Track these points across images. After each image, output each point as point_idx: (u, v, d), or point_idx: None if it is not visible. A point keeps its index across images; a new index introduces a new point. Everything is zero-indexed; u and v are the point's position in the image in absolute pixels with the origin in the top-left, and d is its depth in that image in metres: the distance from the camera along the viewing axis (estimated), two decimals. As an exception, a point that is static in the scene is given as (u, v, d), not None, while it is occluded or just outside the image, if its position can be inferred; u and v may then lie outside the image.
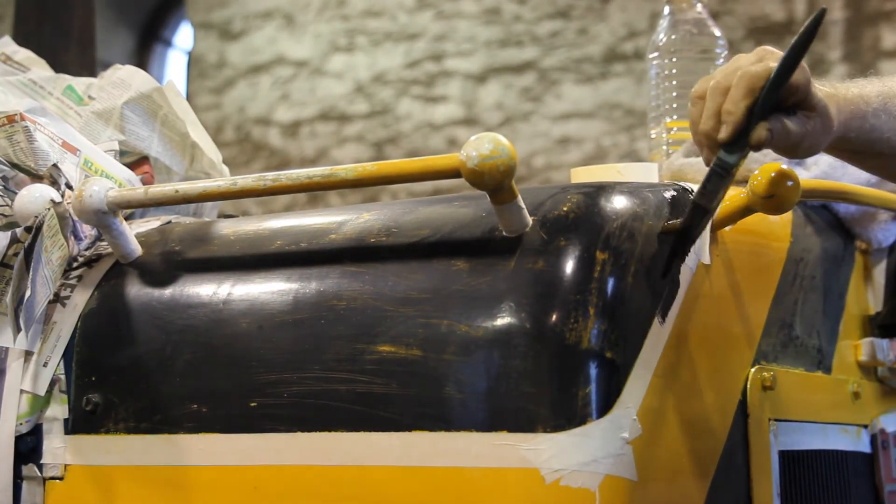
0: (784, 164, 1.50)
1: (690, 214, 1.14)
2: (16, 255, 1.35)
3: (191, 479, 1.25)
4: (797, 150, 1.17)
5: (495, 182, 1.12)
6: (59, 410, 1.33)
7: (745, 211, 1.21)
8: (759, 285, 1.34)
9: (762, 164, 1.20)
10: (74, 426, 1.32)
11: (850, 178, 1.54)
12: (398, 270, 1.19)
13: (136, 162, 1.67)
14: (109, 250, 1.38)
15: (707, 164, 1.14)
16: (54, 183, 1.46)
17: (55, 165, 1.47)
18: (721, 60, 1.73)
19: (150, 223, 1.48)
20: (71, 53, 3.38)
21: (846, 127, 1.20)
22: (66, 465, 1.32)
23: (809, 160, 1.59)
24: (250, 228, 1.36)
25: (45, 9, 3.44)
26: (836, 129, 1.19)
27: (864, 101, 1.23)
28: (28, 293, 1.31)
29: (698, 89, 1.16)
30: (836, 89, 1.21)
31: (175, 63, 8.67)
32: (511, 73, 6.69)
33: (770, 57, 1.14)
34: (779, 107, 1.13)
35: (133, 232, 1.39)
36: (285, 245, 1.29)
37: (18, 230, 1.37)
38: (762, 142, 1.11)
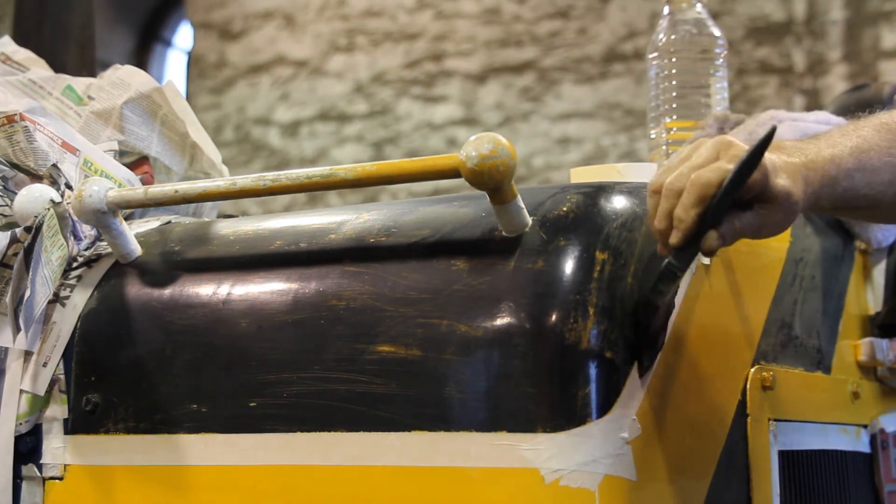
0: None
1: (643, 307, 1.12)
2: (15, 255, 1.35)
3: (190, 478, 1.25)
4: (758, 236, 1.15)
5: (495, 182, 1.12)
6: (58, 410, 1.33)
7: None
8: (758, 285, 1.34)
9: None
10: (74, 426, 1.32)
11: (850, 178, 1.54)
12: (398, 270, 1.19)
13: (136, 162, 1.67)
14: (109, 250, 1.38)
15: (660, 256, 1.12)
16: (54, 183, 1.46)
17: (55, 165, 1.47)
18: (721, 60, 1.73)
19: (149, 223, 1.48)
20: (70, 53, 3.38)
21: (816, 196, 1.17)
22: (65, 465, 1.32)
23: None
24: (250, 228, 1.36)
25: (45, 9, 3.44)
26: (805, 203, 1.15)
27: (835, 165, 1.19)
28: (28, 293, 1.31)
29: (654, 183, 1.13)
30: (807, 155, 1.17)
31: (175, 63, 8.68)
32: (511, 73, 6.70)
33: (726, 155, 1.10)
34: (733, 204, 1.10)
35: (132, 232, 1.39)
36: (285, 245, 1.29)
37: (18, 230, 1.37)
38: (713, 249, 1.10)
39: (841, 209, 1.25)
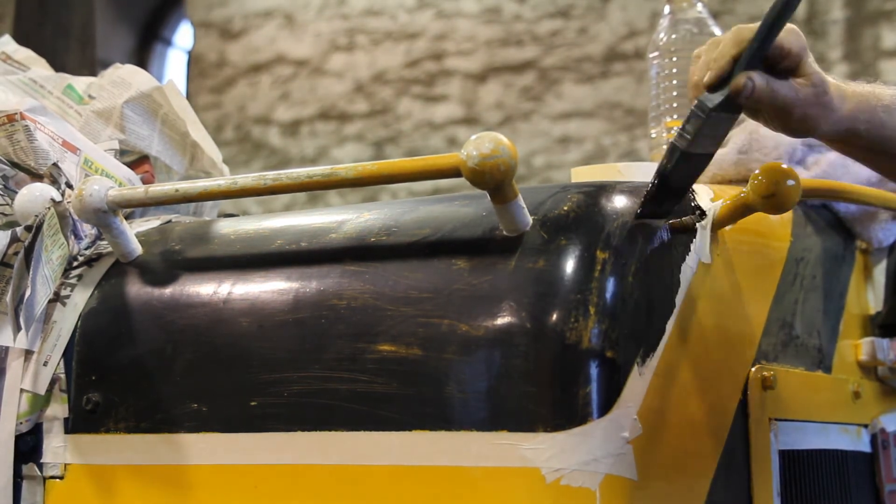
0: (784, 164, 1.50)
1: (667, 154, 1.14)
2: (16, 254, 1.35)
3: (191, 478, 1.25)
4: (789, 117, 1.16)
5: (496, 181, 1.12)
6: (59, 409, 1.33)
7: (746, 210, 1.21)
8: (759, 285, 1.34)
9: (763, 164, 1.20)
10: (74, 425, 1.32)
11: (851, 177, 1.54)
12: (398, 270, 1.19)
13: (137, 161, 1.67)
14: (109, 249, 1.38)
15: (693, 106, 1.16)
16: (54, 182, 1.46)
17: (55, 164, 1.47)
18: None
19: (150, 222, 1.48)
20: (71, 52, 3.38)
21: (854, 118, 1.20)
22: (66, 465, 1.32)
23: (810, 160, 1.59)
24: (250, 228, 1.36)
25: (46, 8, 3.44)
26: (843, 117, 1.18)
27: (874, 97, 1.22)
28: (28, 292, 1.31)
29: (697, 51, 1.19)
30: (846, 83, 1.21)
31: (175, 62, 8.68)
32: (511, 72, 6.69)
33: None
34: (770, 70, 1.14)
35: (133, 231, 1.39)
36: (285, 244, 1.29)
37: (19, 229, 1.37)
38: (740, 89, 1.12)
39: (877, 151, 1.25)
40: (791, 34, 1.14)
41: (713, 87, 1.13)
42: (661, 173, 1.14)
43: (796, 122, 1.17)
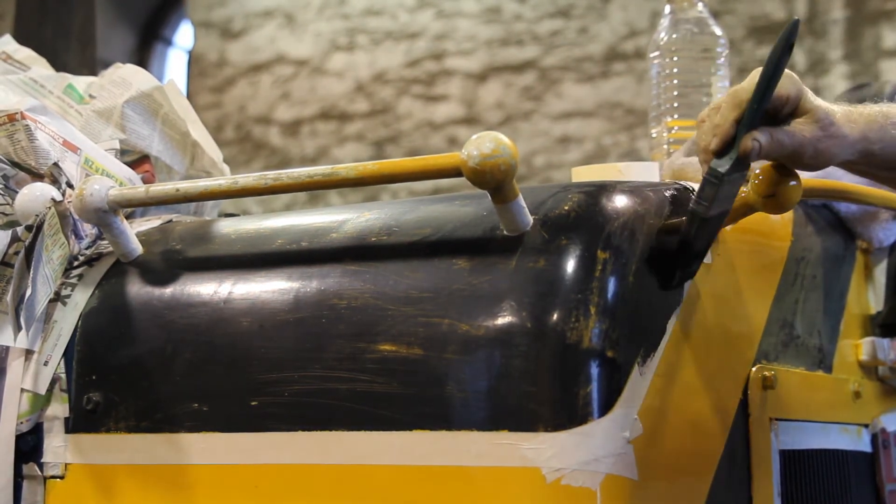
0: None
1: (688, 221, 1.16)
2: (17, 253, 1.35)
3: (191, 477, 1.25)
4: (801, 159, 1.17)
5: (496, 181, 1.12)
6: (59, 409, 1.33)
7: (747, 210, 1.21)
8: (760, 284, 1.34)
9: (763, 164, 1.20)
10: (75, 425, 1.32)
11: (852, 177, 1.54)
12: (399, 269, 1.19)
13: (137, 161, 1.67)
14: (110, 249, 1.38)
15: (704, 176, 1.17)
16: (55, 182, 1.46)
17: (56, 164, 1.47)
18: (722, 59, 1.73)
19: (150, 222, 1.48)
20: (71, 52, 3.38)
21: (866, 138, 1.20)
22: (66, 464, 1.32)
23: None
24: (251, 227, 1.36)
25: (46, 7, 3.43)
26: (855, 140, 1.19)
27: (883, 115, 1.23)
28: (29, 292, 1.31)
29: (700, 115, 1.20)
30: (854, 106, 1.22)
31: (175, 62, 8.67)
32: (511, 72, 6.69)
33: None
34: (772, 120, 1.16)
35: (134, 231, 1.39)
36: (286, 244, 1.29)
37: (19, 229, 1.37)
38: (748, 151, 1.13)
39: (893, 169, 1.26)
40: (786, 80, 1.15)
41: (721, 153, 1.15)
42: (685, 241, 1.16)
43: (810, 160, 1.18)
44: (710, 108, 1.19)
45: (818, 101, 1.18)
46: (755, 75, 1.16)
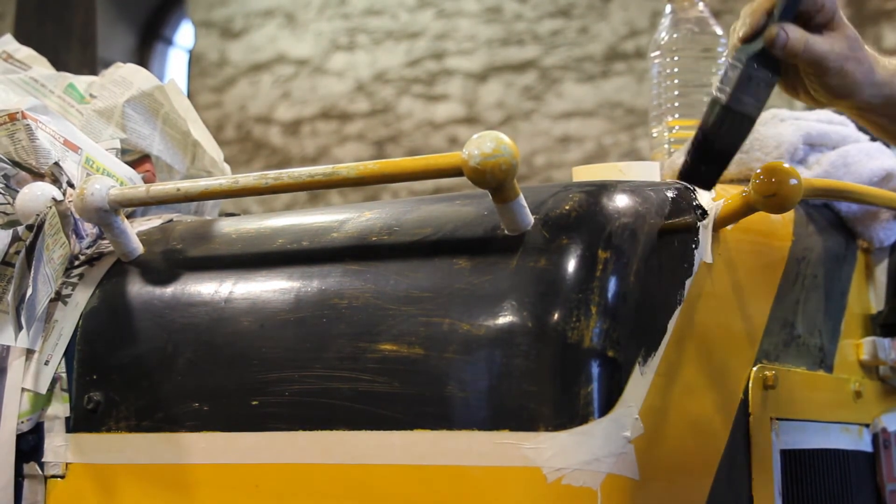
0: (786, 163, 1.50)
1: (708, 109, 1.15)
2: (17, 253, 1.35)
3: (192, 477, 1.25)
4: (826, 72, 1.17)
5: (497, 181, 1.12)
6: (60, 409, 1.33)
7: (747, 210, 1.21)
8: (760, 284, 1.34)
9: (764, 164, 1.20)
10: (76, 424, 1.32)
11: (853, 176, 1.54)
12: (400, 269, 1.19)
13: (138, 160, 1.67)
14: (111, 248, 1.38)
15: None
16: (56, 181, 1.46)
17: (57, 164, 1.47)
18: (723, 59, 1.73)
19: (151, 221, 1.48)
20: (72, 51, 3.38)
21: (889, 84, 1.21)
22: (67, 464, 1.32)
23: (811, 159, 1.59)
24: (252, 227, 1.36)
25: (47, 7, 3.43)
26: (883, 81, 1.19)
27: None
28: (29, 291, 1.31)
29: (742, 11, 1.20)
30: (880, 55, 1.22)
31: (176, 61, 8.67)
32: (512, 71, 6.69)
33: None
34: (804, 24, 1.15)
35: (134, 230, 1.39)
36: (287, 243, 1.29)
37: (20, 228, 1.37)
38: (773, 38, 1.13)
39: None
40: None
41: (748, 41, 1.14)
42: (702, 130, 1.14)
43: (834, 77, 1.18)
44: (748, 4, 1.18)
45: (851, 27, 1.18)
46: None
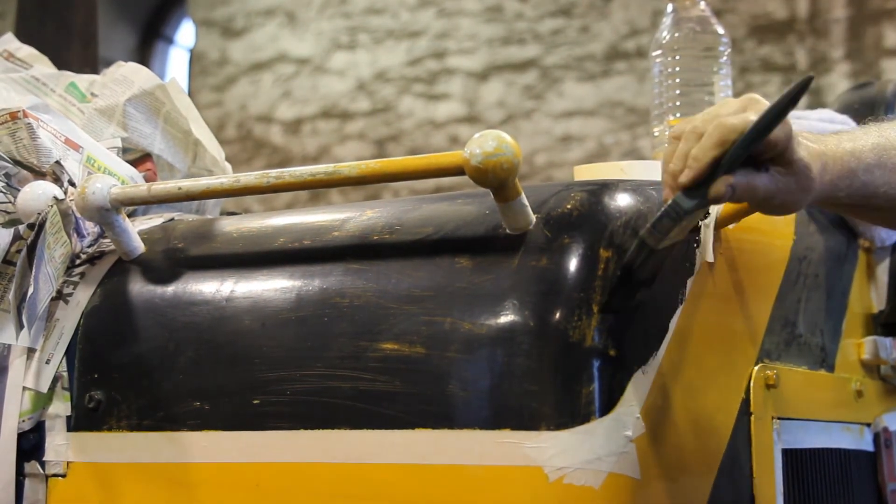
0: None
1: (635, 249, 1.08)
2: (19, 251, 1.35)
3: (193, 476, 1.25)
4: (767, 206, 1.13)
5: (499, 180, 1.12)
6: (61, 407, 1.33)
7: (749, 209, 1.21)
8: (762, 283, 1.34)
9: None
10: (77, 423, 1.32)
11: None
12: (401, 268, 1.19)
13: (139, 159, 1.67)
14: (112, 247, 1.38)
15: (664, 202, 1.09)
16: (57, 180, 1.46)
17: (58, 162, 1.47)
18: (724, 58, 1.73)
19: (152, 220, 1.48)
20: (73, 50, 3.37)
21: (834, 186, 1.15)
22: (68, 463, 1.32)
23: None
24: (253, 226, 1.36)
25: (48, 6, 3.43)
26: (822, 190, 1.14)
27: (855, 158, 1.17)
28: (31, 290, 1.31)
29: (676, 129, 1.12)
30: (827, 145, 1.16)
31: (177, 60, 8.67)
32: (513, 70, 6.69)
33: (753, 108, 1.08)
34: (751, 161, 1.08)
35: (136, 229, 1.39)
36: (288, 242, 1.29)
37: (21, 227, 1.37)
38: (720, 196, 1.07)
39: (858, 207, 1.22)
40: (779, 126, 1.07)
41: (689, 187, 1.06)
42: (627, 268, 1.09)
43: (775, 209, 1.13)
44: (690, 129, 1.09)
45: (801, 153, 1.10)
46: (748, 104, 1.09)
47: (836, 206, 1.25)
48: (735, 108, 1.10)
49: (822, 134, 1.20)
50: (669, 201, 1.07)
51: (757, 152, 1.08)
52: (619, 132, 6.40)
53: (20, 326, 1.32)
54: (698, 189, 1.07)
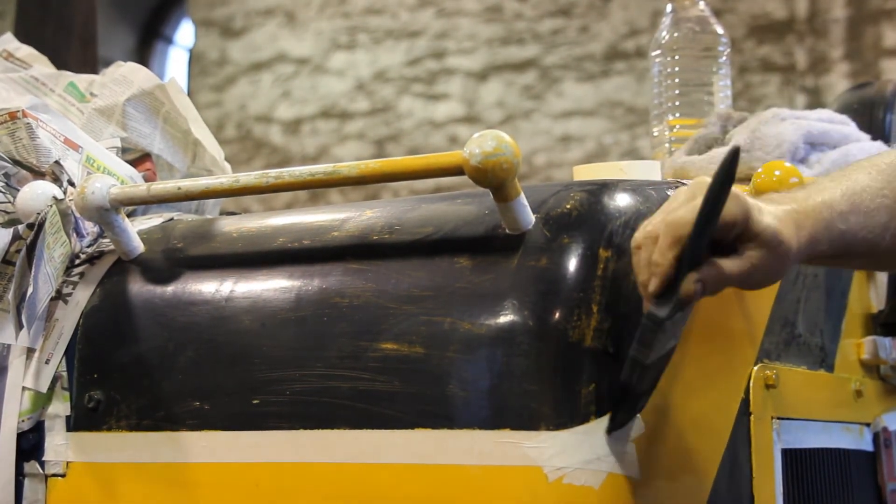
0: (787, 162, 1.50)
1: (628, 368, 1.05)
2: (18, 251, 1.35)
3: (193, 476, 1.25)
4: (749, 284, 1.10)
5: (498, 180, 1.12)
6: (61, 407, 1.33)
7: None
8: (761, 283, 1.34)
9: (765, 163, 1.20)
10: (76, 423, 1.32)
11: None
12: (401, 268, 1.19)
13: (139, 159, 1.67)
14: (111, 247, 1.38)
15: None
16: (56, 180, 1.46)
17: (57, 162, 1.47)
18: (723, 58, 1.73)
19: (152, 220, 1.48)
20: (72, 50, 3.37)
21: (813, 241, 1.12)
22: (67, 463, 1.32)
23: (812, 158, 1.59)
24: (252, 226, 1.36)
25: (47, 6, 3.43)
26: (802, 248, 1.11)
27: (828, 208, 1.14)
28: (30, 290, 1.31)
29: (635, 239, 1.08)
30: (797, 202, 1.13)
31: (176, 60, 8.68)
32: (512, 70, 6.69)
33: (701, 193, 1.03)
34: (717, 246, 1.05)
35: (135, 229, 1.39)
36: (288, 242, 1.29)
37: (20, 227, 1.37)
38: (691, 295, 1.03)
39: (841, 256, 1.19)
40: (731, 203, 1.04)
41: (661, 294, 1.03)
42: (625, 387, 1.06)
43: (757, 284, 1.11)
44: (645, 236, 1.06)
45: (766, 221, 1.07)
46: (696, 190, 1.05)
47: (821, 260, 1.21)
48: (683, 199, 1.06)
49: (784, 194, 1.16)
50: (646, 313, 1.04)
51: (718, 237, 1.05)
52: (619, 132, 6.41)
53: (19, 326, 1.32)
54: (669, 294, 1.03)
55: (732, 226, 1.05)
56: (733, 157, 1.02)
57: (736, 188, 1.04)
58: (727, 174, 1.01)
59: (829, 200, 1.15)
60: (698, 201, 1.03)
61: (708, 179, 1.03)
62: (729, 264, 1.06)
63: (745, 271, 1.06)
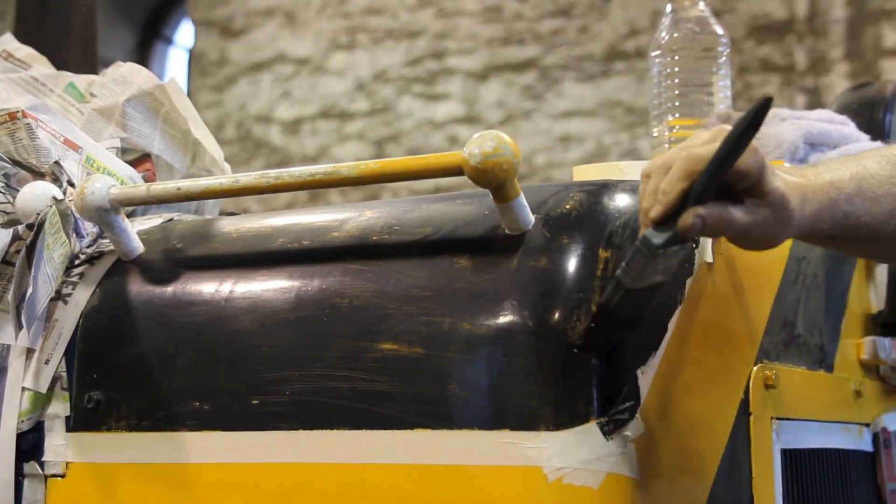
0: (786, 162, 1.50)
1: (611, 288, 1.05)
2: (18, 252, 1.35)
3: (192, 476, 1.25)
4: (745, 240, 1.10)
5: (498, 180, 1.12)
6: (60, 408, 1.33)
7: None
8: (761, 283, 1.34)
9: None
10: (76, 423, 1.32)
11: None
12: (400, 268, 1.19)
13: (138, 159, 1.67)
14: (111, 248, 1.38)
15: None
16: (56, 180, 1.46)
17: (57, 163, 1.47)
18: (723, 59, 1.73)
19: (151, 221, 1.48)
20: (72, 51, 3.37)
21: (816, 218, 1.13)
22: (67, 463, 1.32)
23: (812, 158, 1.59)
24: (252, 226, 1.36)
25: (47, 6, 3.43)
26: (804, 222, 1.12)
27: (835, 188, 1.15)
28: (30, 290, 1.31)
29: (647, 167, 1.08)
30: (806, 177, 1.14)
31: (176, 60, 8.68)
32: (512, 71, 6.69)
33: (722, 138, 1.04)
34: (725, 193, 1.05)
35: (135, 229, 1.39)
36: (287, 243, 1.29)
37: (20, 227, 1.37)
38: (689, 227, 1.02)
39: (841, 238, 1.20)
40: (749, 154, 1.04)
41: (660, 223, 1.03)
42: (603, 307, 1.06)
43: (753, 243, 1.11)
44: (658, 165, 1.07)
45: (776, 183, 1.07)
46: (718, 134, 1.05)
47: (820, 239, 1.22)
48: (704, 139, 1.07)
49: (794, 168, 1.17)
50: (640, 238, 1.04)
51: (729, 183, 1.05)
52: (619, 132, 6.41)
53: (19, 326, 1.32)
54: (668, 223, 1.03)
55: (745, 176, 1.05)
56: (763, 105, 1.02)
57: (755, 142, 1.05)
58: (753, 122, 1.01)
59: (836, 181, 1.15)
60: (717, 144, 1.03)
61: (728, 128, 1.04)
62: (733, 212, 1.06)
63: (746, 223, 1.07)
